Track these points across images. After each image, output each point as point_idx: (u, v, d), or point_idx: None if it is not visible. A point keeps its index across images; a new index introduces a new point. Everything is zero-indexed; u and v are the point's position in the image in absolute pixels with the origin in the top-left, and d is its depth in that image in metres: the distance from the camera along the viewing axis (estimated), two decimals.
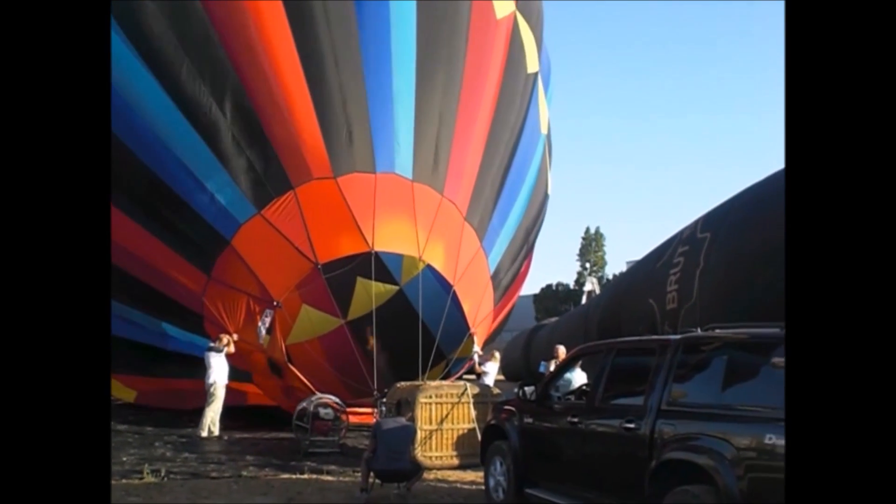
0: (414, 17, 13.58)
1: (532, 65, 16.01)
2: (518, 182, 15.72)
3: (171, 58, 12.44)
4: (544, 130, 17.06)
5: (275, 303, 12.86)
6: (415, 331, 13.32)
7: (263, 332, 12.81)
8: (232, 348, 13.03)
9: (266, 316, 12.79)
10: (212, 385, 12.95)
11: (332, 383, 14.41)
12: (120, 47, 12.04)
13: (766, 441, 4.89)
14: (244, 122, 12.75)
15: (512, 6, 15.38)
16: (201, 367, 13.20)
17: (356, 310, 15.35)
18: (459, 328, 14.10)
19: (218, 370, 12.98)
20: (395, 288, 15.44)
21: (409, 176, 13.45)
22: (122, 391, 15.58)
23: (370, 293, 13.91)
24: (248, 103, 12.72)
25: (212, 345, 13.05)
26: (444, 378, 13.98)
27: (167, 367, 14.72)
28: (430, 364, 13.21)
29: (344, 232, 12.91)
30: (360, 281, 14.87)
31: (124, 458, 10.79)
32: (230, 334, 13.08)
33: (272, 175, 12.88)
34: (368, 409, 13.08)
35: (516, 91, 15.48)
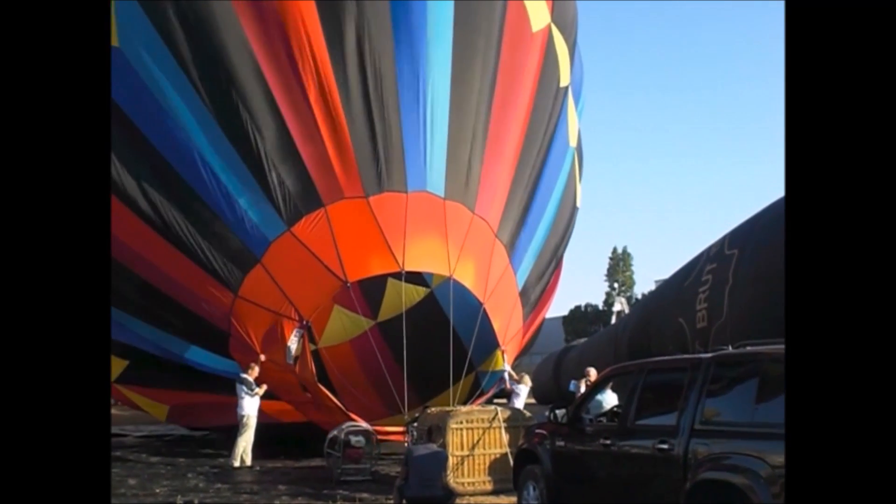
0: (451, 32, 13.55)
1: (564, 78, 15.96)
2: (545, 197, 15.63)
3: (209, 70, 12.50)
4: (573, 143, 16.96)
5: (305, 322, 12.82)
6: (444, 338, 13.25)
7: (293, 352, 12.72)
8: (261, 390, 12.95)
9: (295, 335, 12.73)
10: (244, 417, 12.94)
11: (365, 395, 14.33)
12: (164, 57, 12.24)
13: None
14: (278, 138, 12.74)
15: (547, 19, 15.27)
16: (228, 385, 13.18)
17: (387, 310, 15.31)
18: (489, 343, 14.02)
19: (249, 401, 12.95)
20: (426, 290, 15.32)
21: (441, 194, 13.41)
22: (153, 407, 15.59)
23: (400, 294, 13.83)
24: (281, 120, 12.74)
25: (243, 376, 12.97)
26: (475, 392, 13.88)
27: (198, 382, 14.59)
28: (463, 373, 13.14)
29: (374, 251, 12.88)
30: (390, 282, 14.85)
31: (157, 490, 10.82)
32: (258, 355, 12.96)
33: (304, 193, 12.85)
34: (399, 429, 12.96)
35: (547, 105, 15.41)
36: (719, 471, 5.55)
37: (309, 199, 12.89)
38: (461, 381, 13.43)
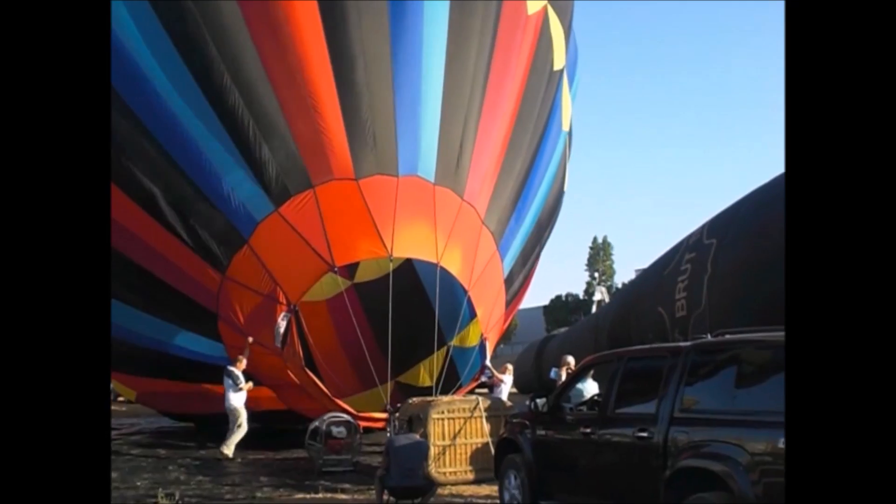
0: (447, 13, 13.36)
1: (559, 61, 15.82)
2: (537, 182, 15.57)
3: (200, 46, 12.18)
4: (566, 127, 16.87)
5: (292, 306, 12.70)
6: (420, 309, 13.19)
7: (280, 334, 12.62)
8: (248, 385, 12.88)
9: (283, 319, 12.62)
10: (233, 409, 12.81)
11: (342, 369, 14.28)
12: (151, 24, 11.96)
13: (780, 445, 4.86)
14: (268, 114, 12.51)
15: (544, 0, 15.16)
16: (207, 373, 13.07)
17: (364, 272, 15.15)
18: (464, 320, 14.00)
19: (235, 394, 12.83)
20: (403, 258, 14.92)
21: (432, 179, 13.29)
22: (122, 389, 15.67)
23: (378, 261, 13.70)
24: (273, 96, 12.51)
25: (230, 368, 12.82)
26: (446, 367, 13.91)
27: (171, 370, 14.37)
28: (435, 347, 13.16)
29: (363, 235, 12.76)
30: None
31: (138, 483, 10.79)
32: (246, 337, 12.85)
33: (293, 171, 12.65)
34: (382, 416, 12.94)
35: (541, 89, 15.27)
36: (699, 458, 5.60)
37: (298, 178, 12.68)
38: (435, 356, 13.36)
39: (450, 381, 13.76)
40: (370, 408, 13.59)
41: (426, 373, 15.43)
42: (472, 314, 13.82)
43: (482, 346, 14.20)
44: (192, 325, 13.57)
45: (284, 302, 12.68)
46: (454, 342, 14.29)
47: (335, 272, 12.71)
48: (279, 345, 12.68)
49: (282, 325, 12.59)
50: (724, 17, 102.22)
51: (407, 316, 13.27)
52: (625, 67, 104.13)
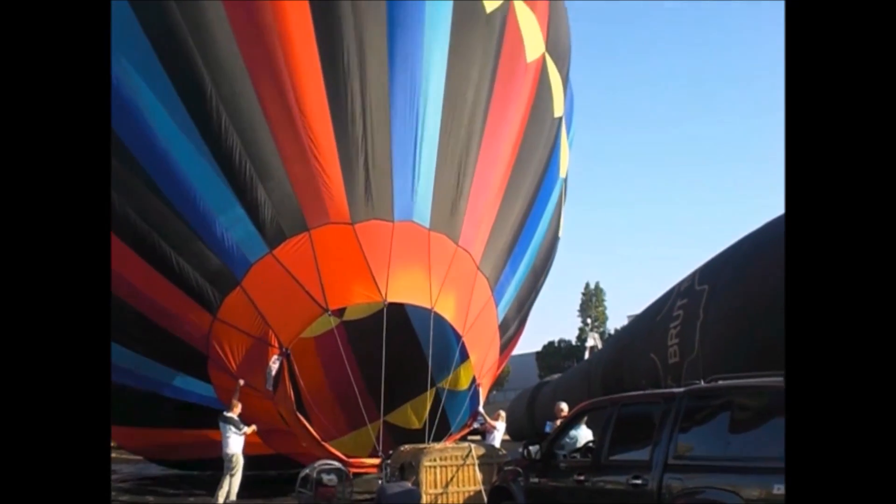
0: (445, 59, 13.44)
1: (558, 108, 15.92)
2: (532, 229, 15.56)
3: (199, 85, 12.12)
4: (563, 174, 16.94)
5: (284, 349, 12.56)
6: (409, 348, 13.11)
7: (272, 377, 12.45)
8: (250, 430, 12.56)
9: (274, 362, 12.47)
10: (231, 456, 12.43)
11: (330, 409, 14.17)
12: (154, 68, 11.93)
13: (775, 491, 4.85)
14: (265, 156, 12.45)
15: (542, 48, 15.21)
16: (199, 416, 12.87)
17: (353, 311, 14.98)
18: (454, 363, 13.92)
19: (235, 440, 12.45)
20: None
21: (427, 224, 13.28)
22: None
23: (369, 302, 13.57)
24: (270, 138, 12.45)
25: (227, 415, 12.47)
26: (436, 410, 13.78)
27: (160, 415, 14.14)
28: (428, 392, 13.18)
29: (357, 280, 12.68)
30: None
31: None
32: (237, 379, 12.61)
33: (288, 214, 12.57)
34: (374, 461, 12.77)
35: (541, 136, 15.32)
36: None
37: (293, 221, 12.61)
38: (427, 398, 13.31)
39: (440, 424, 13.61)
40: (359, 448, 13.45)
41: (414, 414, 15.32)
42: (464, 357, 13.76)
43: (475, 393, 14.09)
44: (181, 366, 13.41)
45: (276, 345, 12.56)
46: (445, 385, 14.22)
47: (329, 315, 12.64)
48: (270, 388, 12.54)
49: (273, 367, 12.45)
50: (718, 63, 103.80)
51: (395, 354, 13.10)
52: (618, 113, 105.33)
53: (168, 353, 13.35)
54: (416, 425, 14.75)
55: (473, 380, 14.04)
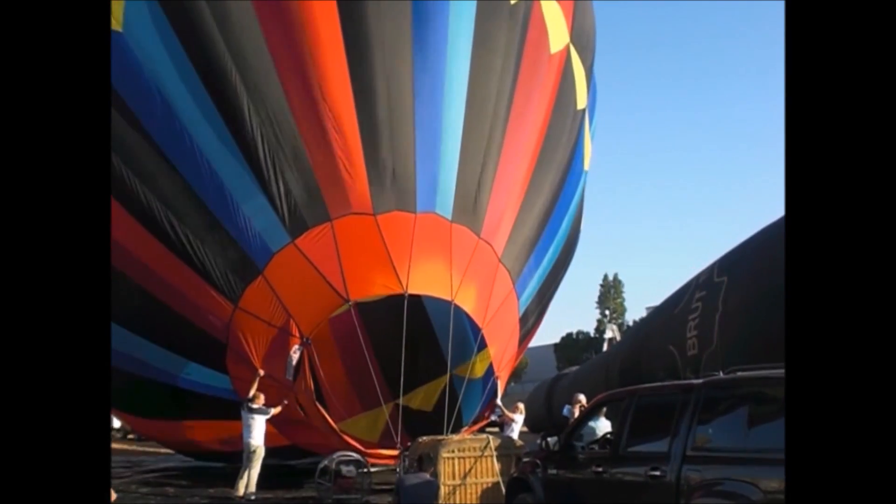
0: (469, 50, 13.41)
1: (581, 100, 15.84)
2: (558, 223, 15.53)
3: (221, 68, 12.17)
4: (586, 167, 16.88)
5: (305, 339, 12.60)
6: (423, 331, 13.04)
7: (292, 367, 12.49)
8: (277, 410, 12.59)
9: (295, 352, 12.51)
10: (253, 446, 12.44)
11: (344, 392, 14.19)
12: (173, 47, 11.97)
13: None
14: (288, 145, 12.50)
15: (566, 39, 15.15)
16: (215, 407, 12.91)
17: None
18: (469, 350, 13.92)
19: (258, 431, 12.51)
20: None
21: (449, 216, 13.27)
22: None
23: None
24: (294, 129, 12.50)
25: (252, 406, 12.52)
26: (444, 396, 13.83)
27: (178, 406, 14.17)
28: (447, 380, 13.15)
29: (379, 271, 12.68)
30: None
31: None
32: (255, 369, 12.63)
33: (311, 203, 12.59)
34: (392, 452, 12.83)
35: (564, 129, 15.25)
36: (712, 497, 5.53)
37: (316, 210, 12.63)
38: (437, 381, 13.30)
39: (453, 410, 13.61)
40: (372, 430, 13.46)
41: (427, 398, 15.35)
42: (481, 346, 13.76)
43: (493, 385, 14.10)
44: (198, 356, 13.39)
45: (297, 335, 12.59)
46: (461, 372, 14.23)
47: (350, 305, 12.63)
48: (290, 378, 12.58)
49: (294, 357, 12.48)
50: (736, 52, 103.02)
51: (409, 338, 13.04)
52: (638, 103, 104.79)
53: (186, 342, 13.32)
54: (429, 409, 14.77)
55: (489, 369, 14.04)
